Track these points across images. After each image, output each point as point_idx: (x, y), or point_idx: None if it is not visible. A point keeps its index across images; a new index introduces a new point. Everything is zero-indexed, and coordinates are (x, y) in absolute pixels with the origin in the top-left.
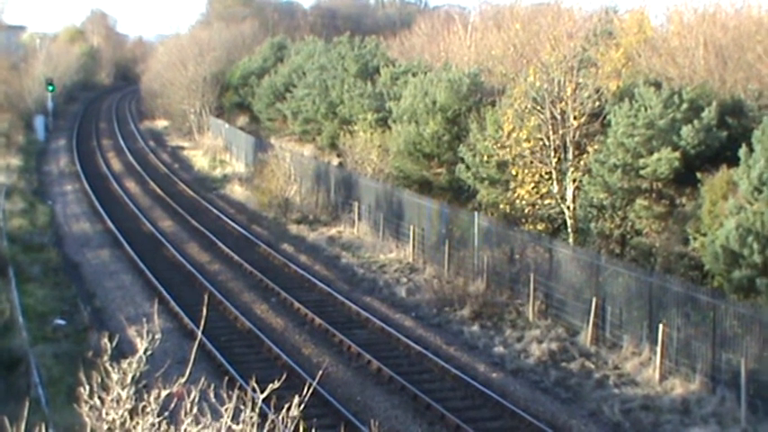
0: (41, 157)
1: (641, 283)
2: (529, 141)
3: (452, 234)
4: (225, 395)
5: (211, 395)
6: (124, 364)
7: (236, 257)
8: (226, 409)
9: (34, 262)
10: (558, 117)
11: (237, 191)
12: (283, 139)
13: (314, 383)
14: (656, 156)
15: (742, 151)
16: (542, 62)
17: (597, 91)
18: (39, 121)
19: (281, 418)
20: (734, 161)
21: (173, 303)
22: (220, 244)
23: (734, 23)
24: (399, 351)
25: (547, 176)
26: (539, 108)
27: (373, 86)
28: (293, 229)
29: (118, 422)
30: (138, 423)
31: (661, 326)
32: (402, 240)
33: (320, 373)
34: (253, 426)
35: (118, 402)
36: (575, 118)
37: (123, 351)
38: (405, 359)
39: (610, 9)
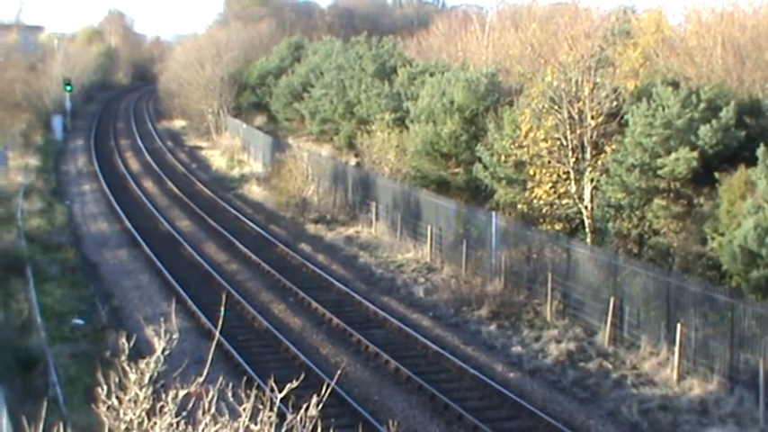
0: (59, 156)
1: (659, 283)
2: (546, 141)
3: (470, 234)
4: (243, 395)
5: (229, 395)
6: (142, 364)
7: (254, 257)
8: (244, 409)
9: (52, 262)
10: (576, 117)
11: (255, 191)
12: (301, 138)
13: (332, 383)
14: (673, 155)
15: (760, 151)
16: (560, 62)
17: (615, 91)
18: (57, 121)
19: (299, 418)
20: (752, 161)
21: (190, 303)
22: (238, 243)
23: (752, 23)
24: (417, 351)
25: (564, 176)
26: (556, 108)
27: (391, 86)
28: (311, 228)
29: (135, 422)
30: (155, 423)
31: (679, 326)
32: (419, 240)
33: (338, 372)
34: (271, 426)
35: (135, 402)
36: (592, 117)
37: (141, 351)
38: (422, 359)
39: (627, 8)
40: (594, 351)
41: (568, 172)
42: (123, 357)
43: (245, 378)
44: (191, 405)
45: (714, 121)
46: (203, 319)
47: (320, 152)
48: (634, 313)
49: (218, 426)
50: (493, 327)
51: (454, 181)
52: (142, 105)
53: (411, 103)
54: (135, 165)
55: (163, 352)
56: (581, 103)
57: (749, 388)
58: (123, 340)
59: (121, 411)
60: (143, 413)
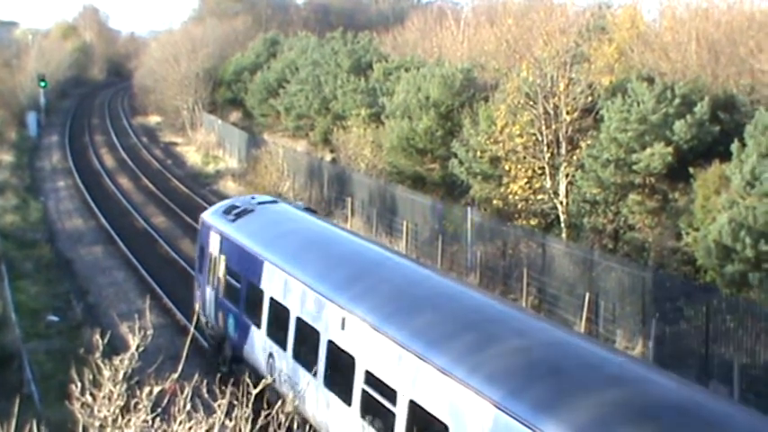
0: (34, 153)
1: (634, 277)
2: (522, 136)
3: (445, 229)
4: (218, 391)
5: (204, 391)
6: (116, 361)
7: None
8: (219, 405)
9: (27, 258)
10: (551, 112)
11: (231, 186)
12: (276, 134)
13: None
14: (648, 151)
15: (734, 146)
16: (535, 57)
17: (590, 86)
18: (31, 118)
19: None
20: (726, 156)
21: (165, 299)
22: None
23: (726, 18)
24: None
25: (540, 172)
26: (531, 103)
27: (366, 82)
28: None
29: (110, 419)
30: (129, 420)
31: (654, 321)
32: (395, 236)
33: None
34: (246, 422)
35: (110, 399)
36: (567, 113)
37: (116, 347)
38: None
39: (602, 4)
40: None
41: (544, 167)
42: (98, 354)
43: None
44: (165, 401)
45: (689, 117)
46: (179, 315)
47: (296, 148)
48: (609, 308)
49: (192, 422)
50: None
51: (430, 176)
52: (117, 101)
53: (387, 98)
54: (110, 161)
55: (137, 349)
56: (556, 98)
57: (723, 382)
58: (98, 337)
59: (96, 408)
60: (117, 410)
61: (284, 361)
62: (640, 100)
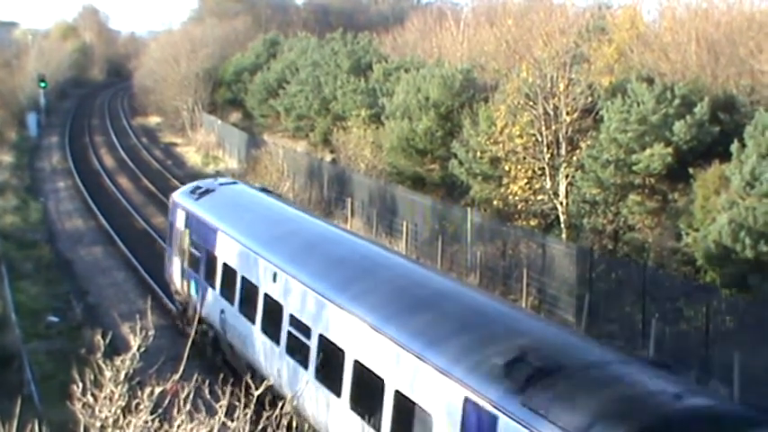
0: (34, 153)
1: (634, 278)
2: (522, 137)
3: (445, 230)
4: (219, 391)
5: (206, 392)
6: (117, 362)
7: None
8: (220, 406)
9: (27, 259)
10: (551, 113)
11: None
12: (276, 135)
13: None
14: (648, 151)
15: (734, 147)
16: (535, 58)
17: (590, 87)
18: (31, 118)
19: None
20: (726, 156)
21: (166, 300)
22: None
23: (726, 19)
24: None
25: (540, 172)
26: (531, 104)
27: (366, 82)
28: None
29: (111, 419)
30: (130, 421)
31: (654, 321)
32: (395, 236)
33: None
34: (246, 422)
35: (111, 400)
36: (567, 113)
37: (117, 348)
38: None
39: (602, 5)
40: None
41: (543, 168)
42: (99, 354)
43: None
44: (166, 402)
45: (688, 117)
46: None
47: (296, 148)
48: (609, 308)
49: (194, 423)
50: None
51: (430, 177)
52: (117, 102)
53: (386, 99)
54: (110, 161)
55: (138, 349)
56: (556, 99)
57: (723, 382)
58: (99, 337)
59: (97, 409)
60: (118, 410)
61: (232, 314)
62: (640, 100)
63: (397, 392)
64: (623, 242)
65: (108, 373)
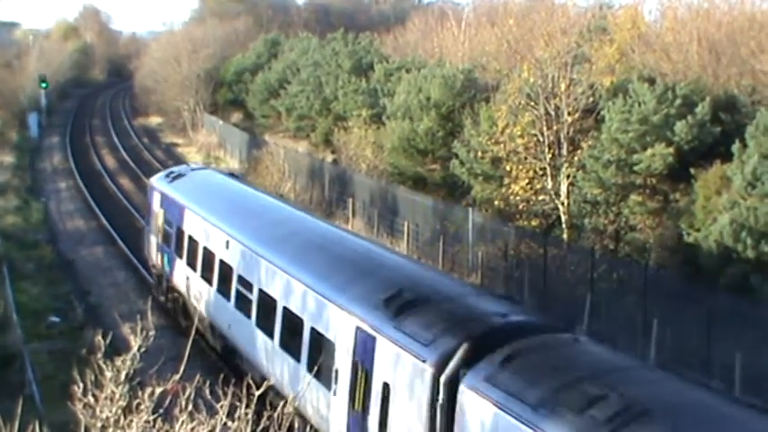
0: (35, 154)
1: (635, 278)
2: (523, 137)
3: (447, 230)
4: (220, 392)
5: (207, 392)
6: (118, 362)
7: None
8: (221, 406)
9: (28, 259)
10: (552, 113)
11: None
12: (277, 135)
13: None
14: (649, 151)
15: (735, 147)
16: (536, 58)
17: (591, 87)
18: (32, 119)
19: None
20: (727, 157)
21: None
22: None
23: (727, 19)
24: None
25: (541, 172)
26: (533, 104)
27: (367, 83)
28: None
29: (112, 420)
30: (132, 421)
31: (655, 321)
32: (397, 236)
33: None
34: (247, 423)
35: (111, 400)
36: (569, 114)
37: (117, 348)
38: None
39: (603, 5)
40: None
41: (545, 168)
42: (100, 355)
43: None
44: (167, 402)
45: (690, 117)
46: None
47: (297, 149)
48: (611, 309)
49: (194, 423)
50: None
51: (431, 177)
52: (118, 102)
53: (387, 99)
54: (111, 162)
55: (139, 349)
56: (557, 99)
57: (725, 381)
58: (99, 338)
59: (98, 409)
60: (119, 410)
61: (195, 280)
62: (641, 101)
63: (312, 329)
64: (624, 242)
65: (109, 374)
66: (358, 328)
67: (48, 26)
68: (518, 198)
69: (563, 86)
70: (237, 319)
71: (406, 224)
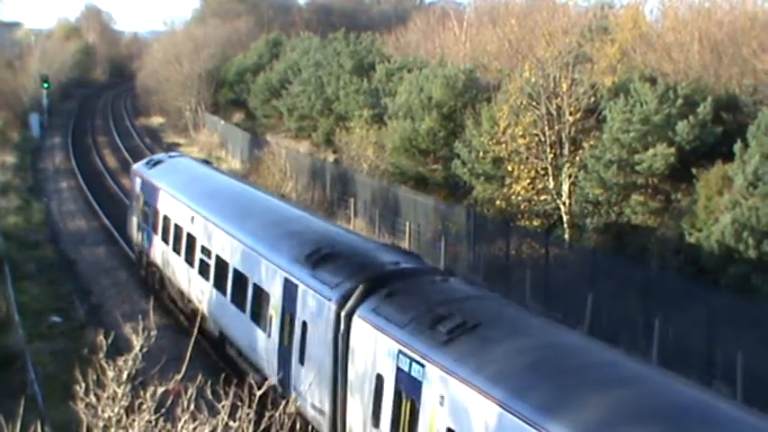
0: (36, 154)
1: (637, 278)
2: (524, 137)
3: (448, 230)
4: (222, 392)
5: (208, 392)
6: (120, 362)
7: None
8: (223, 406)
9: (30, 259)
10: (554, 113)
11: None
12: (279, 135)
13: None
14: (651, 151)
15: (737, 146)
16: (537, 58)
17: (592, 87)
18: (34, 119)
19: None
20: (729, 156)
21: (168, 300)
22: None
23: (729, 19)
24: None
25: (542, 172)
26: (534, 104)
27: (369, 83)
28: None
29: (114, 419)
30: (134, 420)
31: (657, 321)
32: (398, 236)
33: None
34: (249, 423)
35: (113, 400)
36: (570, 114)
37: (119, 348)
38: None
39: (605, 5)
40: None
41: (546, 168)
42: (101, 355)
43: None
44: (169, 402)
45: (691, 117)
46: (182, 317)
47: (298, 149)
48: (612, 308)
49: (196, 423)
50: None
51: (432, 177)
52: (120, 102)
53: (389, 99)
54: (113, 162)
55: (141, 349)
56: (559, 99)
57: (727, 382)
58: (101, 337)
59: (99, 409)
60: (121, 410)
61: (168, 253)
62: (643, 100)
63: (254, 284)
64: (626, 242)
65: (111, 374)
66: (285, 279)
67: (49, 26)
68: (520, 198)
69: (564, 86)
70: (200, 284)
71: (407, 224)
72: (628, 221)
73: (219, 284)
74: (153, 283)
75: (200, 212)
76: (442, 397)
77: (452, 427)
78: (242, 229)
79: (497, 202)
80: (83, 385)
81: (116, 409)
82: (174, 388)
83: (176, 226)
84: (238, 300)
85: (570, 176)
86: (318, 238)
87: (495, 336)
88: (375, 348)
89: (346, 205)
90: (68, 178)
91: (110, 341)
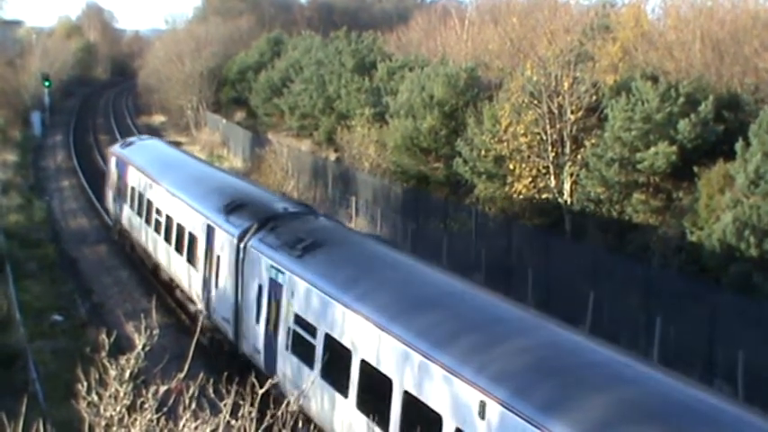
0: (38, 152)
1: (638, 277)
2: (526, 136)
3: (450, 228)
4: (224, 390)
5: (210, 391)
6: (122, 360)
7: None
8: (225, 405)
9: (31, 258)
10: (556, 111)
11: None
12: (281, 134)
13: None
14: (652, 150)
15: (739, 145)
16: (539, 56)
17: (594, 85)
18: (35, 117)
19: (280, 413)
20: (730, 155)
21: (170, 299)
22: None
23: (730, 17)
24: None
25: (544, 171)
26: (536, 102)
27: (370, 81)
28: None
29: (116, 418)
30: (136, 419)
31: (658, 320)
32: (399, 236)
33: None
34: (251, 421)
35: (116, 398)
36: (572, 112)
37: (121, 347)
38: None
39: (606, 3)
40: None
41: (548, 166)
42: (103, 353)
43: None
44: (171, 401)
45: (693, 116)
46: (183, 316)
47: (300, 147)
48: (614, 308)
49: (198, 421)
50: None
51: (434, 176)
52: (121, 101)
53: (391, 98)
54: None
55: (143, 348)
56: (560, 97)
57: (728, 381)
58: (103, 336)
59: (101, 407)
60: (123, 409)
61: (135, 218)
62: (644, 99)
63: (189, 233)
64: (628, 241)
65: (113, 372)
66: (208, 225)
67: (51, 24)
68: (521, 196)
69: (566, 85)
70: (160, 244)
71: (407, 223)
72: (629, 220)
73: (168, 237)
74: (124, 246)
75: (155, 181)
76: (293, 293)
77: (297, 312)
78: (182, 190)
79: (499, 201)
80: (85, 384)
81: (118, 408)
82: (176, 387)
83: (139, 194)
84: (179, 247)
85: (572, 175)
86: (234, 193)
87: (331, 251)
88: (259, 267)
89: (347, 204)
90: (70, 177)
91: (111, 340)
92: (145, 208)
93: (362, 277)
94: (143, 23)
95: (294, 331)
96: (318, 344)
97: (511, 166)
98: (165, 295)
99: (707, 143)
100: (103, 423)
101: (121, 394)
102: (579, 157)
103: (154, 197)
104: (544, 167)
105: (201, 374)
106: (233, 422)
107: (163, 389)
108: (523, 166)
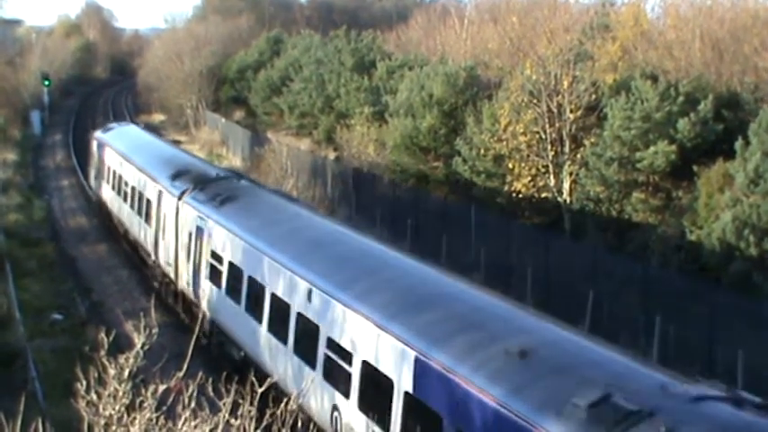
0: (37, 151)
1: (638, 276)
2: (525, 135)
3: (449, 227)
4: (223, 389)
5: (209, 389)
6: (121, 359)
7: None
8: (224, 404)
9: (31, 257)
10: (555, 110)
11: None
12: (280, 133)
13: None
14: (652, 149)
15: (738, 144)
16: (539, 55)
17: (594, 84)
18: (35, 116)
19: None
20: (730, 154)
21: (170, 298)
22: None
23: (730, 16)
24: None
25: (543, 170)
26: (535, 101)
27: (370, 80)
28: None
29: (115, 417)
30: (135, 418)
31: (658, 319)
32: (399, 235)
33: None
34: (251, 420)
35: (115, 397)
36: (571, 111)
37: (120, 346)
38: None
39: (606, 2)
40: None
41: (547, 165)
42: (102, 352)
43: None
44: (170, 400)
45: (692, 115)
46: (182, 315)
47: (299, 146)
48: (613, 306)
49: (197, 420)
50: None
51: (434, 175)
52: (121, 100)
53: (390, 97)
54: None
55: (142, 347)
56: (560, 96)
57: (728, 381)
58: (102, 335)
59: (101, 406)
60: (122, 408)
61: (113, 195)
62: (644, 98)
63: (147, 199)
64: (627, 240)
65: (112, 371)
66: (159, 190)
67: (50, 23)
68: (521, 195)
69: (565, 84)
70: (135, 219)
71: (408, 222)
72: (629, 219)
73: (132, 205)
74: (103, 219)
75: (125, 159)
76: (210, 235)
77: (214, 249)
78: (144, 165)
79: (498, 200)
80: (84, 383)
81: (117, 407)
82: (175, 385)
83: (113, 171)
84: (140, 211)
85: (571, 174)
86: (181, 165)
87: (244, 202)
88: (190, 218)
89: (347, 203)
90: (69, 176)
91: (111, 339)
92: (117, 183)
93: (266, 223)
94: (142, 22)
95: (211, 264)
96: (224, 269)
97: (510, 165)
98: (132, 254)
99: (706, 142)
100: (102, 422)
101: (120, 393)
102: (578, 156)
103: (124, 173)
104: (543, 166)
105: (200, 373)
106: (232, 421)
107: (162, 388)
108: (523, 165)
